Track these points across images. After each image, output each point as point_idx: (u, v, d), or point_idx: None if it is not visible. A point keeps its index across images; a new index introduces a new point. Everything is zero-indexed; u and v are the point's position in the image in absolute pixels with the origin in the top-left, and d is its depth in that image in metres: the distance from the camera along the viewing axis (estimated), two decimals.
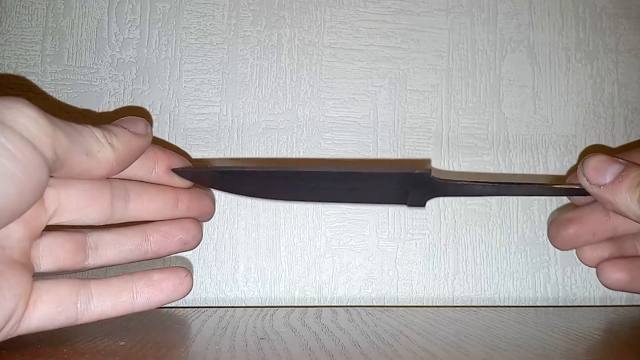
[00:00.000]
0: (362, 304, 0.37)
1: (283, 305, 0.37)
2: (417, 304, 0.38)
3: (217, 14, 0.38)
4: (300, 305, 0.37)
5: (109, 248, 0.26)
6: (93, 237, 0.26)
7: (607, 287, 0.31)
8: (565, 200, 0.38)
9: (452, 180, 0.29)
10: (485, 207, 0.38)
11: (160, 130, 0.37)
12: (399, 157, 0.38)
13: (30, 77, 0.36)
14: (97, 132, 0.24)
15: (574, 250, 0.32)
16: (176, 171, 0.28)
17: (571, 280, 0.39)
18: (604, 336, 0.30)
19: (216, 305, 0.36)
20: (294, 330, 0.28)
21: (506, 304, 0.38)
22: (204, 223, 0.31)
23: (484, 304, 0.38)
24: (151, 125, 0.31)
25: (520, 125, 0.39)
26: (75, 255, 0.25)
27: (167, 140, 0.37)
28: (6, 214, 0.21)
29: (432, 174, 0.28)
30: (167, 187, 0.28)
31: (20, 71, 0.36)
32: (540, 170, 0.39)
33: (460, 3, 0.40)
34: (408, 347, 0.25)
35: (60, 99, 0.36)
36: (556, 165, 0.39)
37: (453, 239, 0.38)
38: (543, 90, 0.40)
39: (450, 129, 0.39)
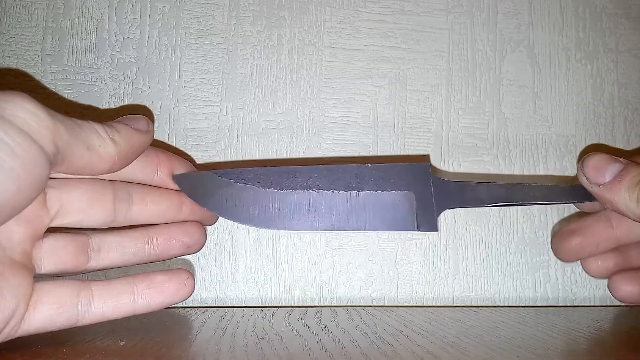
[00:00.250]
0: (362, 304, 0.37)
1: (283, 305, 0.37)
2: (417, 304, 0.38)
3: (217, 14, 0.38)
4: (300, 305, 0.37)
5: (112, 250, 0.26)
6: (95, 239, 0.26)
7: (620, 300, 0.30)
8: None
9: (460, 182, 0.29)
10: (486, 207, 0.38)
11: (160, 130, 0.37)
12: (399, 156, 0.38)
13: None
14: (98, 127, 0.24)
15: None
16: (176, 179, 0.28)
17: (571, 280, 0.39)
18: (604, 336, 0.30)
19: (216, 305, 0.36)
20: (294, 330, 0.28)
21: (506, 304, 0.38)
22: None
23: (484, 304, 0.38)
24: (153, 123, 0.31)
25: (520, 125, 0.39)
26: (77, 257, 0.25)
27: (167, 140, 0.37)
28: (6, 209, 0.21)
29: (432, 173, 0.28)
30: (170, 190, 0.28)
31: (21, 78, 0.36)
32: (540, 170, 0.39)
33: (460, 3, 0.40)
34: (408, 347, 0.25)
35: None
36: (556, 165, 0.39)
37: (453, 239, 0.38)
38: (543, 90, 0.40)
39: (450, 129, 0.39)
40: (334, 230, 0.32)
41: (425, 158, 0.38)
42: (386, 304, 0.37)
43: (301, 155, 0.37)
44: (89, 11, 0.37)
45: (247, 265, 0.37)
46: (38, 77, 0.36)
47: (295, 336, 0.27)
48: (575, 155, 0.40)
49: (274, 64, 0.38)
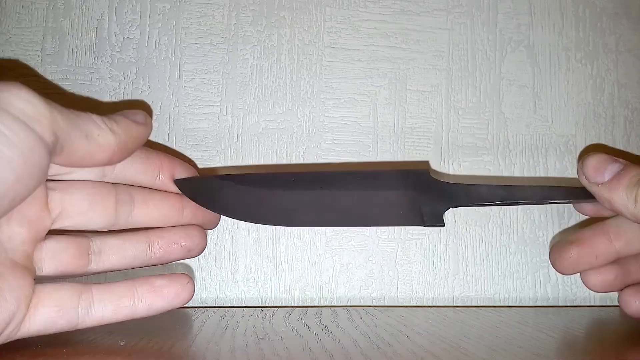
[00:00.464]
0: (362, 304, 0.37)
1: (283, 305, 0.37)
2: (417, 304, 0.38)
3: (217, 14, 0.38)
4: (300, 305, 0.37)
5: (113, 253, 0.26)
6: (97, 242, 0.26)
7: (631, 316, 0.30)
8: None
9: (461, 184, 0.29)
10: (486, 207, 0.38)
11: (160, 130, 0.37)
12: (399, 157, 0.38)
13: (31, 77, 0.36)
14: (95, 118, 0.24)
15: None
16: (178, 183, 0.28)
17: (571, 280, 0.39)
18: (604, 336, 0.30)
19: (216, 305, 0.36)
20: (293, 330, 0.28)
21: (506, 304, 0.38)
22: None
23: (484, 304, 0.38)
24: (150, 117, 0.31)
25: (520, 126, 0.39)
26: (78, 260, 0.25)
27: (167, 139, 0.37)
28: (5, 200, 0.21)
29: (431, 174, 0.29)
30: (172, 193, 0.28)
31: (20, 71, 0.36)
32: (541, 170, 0.39)
33: (460, 3, 0.40)
34: (408, 347, 0.25)
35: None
36: (556, 165, 0.39)
37: (453, 239, 0.38)
38: (543, 90, 0.40)
39: (450, 129, 0.39)
40: (338, 226, 0.32)
41: (425, 164, 0.38)
42: (386, 304, 0.37)
43: (301, 155, 0.37)
44: (89, 11, 0.37)
45: (247, 265, 0.37)
46: (38, 77, 0.36)
47: (295, 336, 0.27)
48: (576, 155, 0.40)
49: (274, 64, 0.38)
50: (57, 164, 0.23)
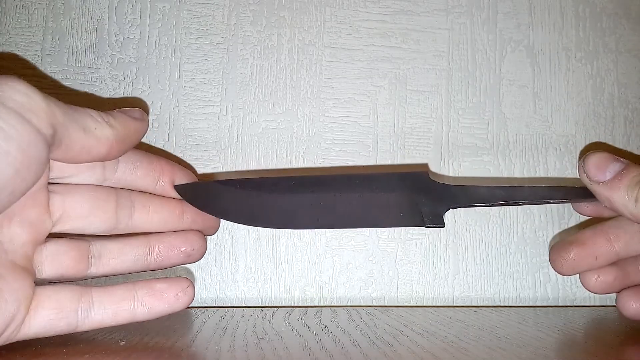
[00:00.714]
0: (362, 304, 0.37)
1: (283, 305, 0.37)
2: (417, 304, 0.38)
3: (217, 14, 0.38)
4: (300, 305, 0.37)
5: (113, 257, 0.26)
6: (97, 246, 0.26)
7: (629, 318, 0.30)
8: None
9: (461, 186, 0.29)
10: (485, 207, 0.38)
11: (161, 130, 0.37)
12: (399, 156, 0.38)
13: (31, 77, 0.36)
14: (93, 112, 0.24)
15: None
16: (178, 188, 0.28)
17: (571, 280, 0.39)
18: (603, 336, 0.30)
19: (216, 305, 0.36)
20: (293, 330, 0.28)
21: (506, 304, 0.38)
22: None
23: (484, 304, 0.38)
24: (147, 114, 0.31)
25: (520, 125, 0.39)
26: (78, 263, 0.25)
27: (167, 139, 0.37)
28: (4, 194, 0.20)
29: (430, 176, 0.29)
30: (172, 199, 0.28)
31: (20, 72, 0.36)
32: (540, 170, 0.39)
33: (460, 3, 0.40)
34: (408, 347, 0.25)
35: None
36: (556, 164, 0.39)
37: (453, 239, 0.38)
38: (543, 90, 0.40)
39: (450, 129, 0.39)
40: (339, 228, 0.32)
41: (424, 166, 0.38)
42: (386, 304, 0.38)
43: (301, 154, 0.37)
44: (89, 11, 0.37)
45: (247, 265, 0.37)
46: (38, 78, 0.36)
47: (295, 336, 0.27)
48: (575, 155, 0.40)
49: (274, 64, 0.38)
50: (55, 159, 0.23)
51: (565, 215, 0.39)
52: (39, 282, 0.24)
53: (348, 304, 0.37)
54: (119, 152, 0.25)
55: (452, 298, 0.38)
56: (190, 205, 0.28)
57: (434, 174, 0.38)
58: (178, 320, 0.31)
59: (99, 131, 0.23)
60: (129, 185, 0.27)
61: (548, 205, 0.39)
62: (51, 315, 0.23)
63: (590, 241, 0.30)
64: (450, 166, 0.38)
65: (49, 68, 0.36)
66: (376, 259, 0.38)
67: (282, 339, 0.26)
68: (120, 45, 0.37)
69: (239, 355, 0.23)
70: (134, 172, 0.27)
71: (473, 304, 0.38)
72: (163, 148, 0.37)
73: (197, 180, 0.30)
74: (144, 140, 0.27)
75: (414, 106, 0.39)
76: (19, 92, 0.20)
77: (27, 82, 0.21)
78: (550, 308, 0.37)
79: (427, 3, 0.40)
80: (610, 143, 0.40)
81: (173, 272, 0.35)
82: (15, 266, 0.22)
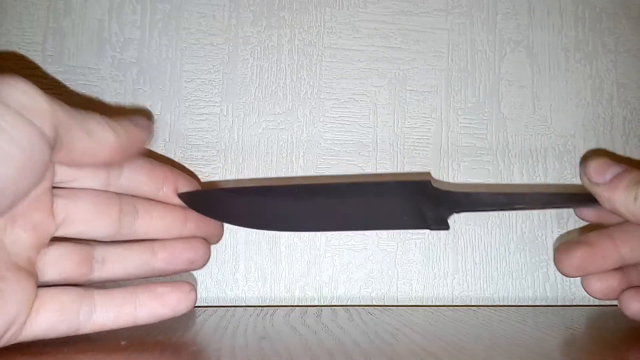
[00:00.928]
0: (362, 304, 0.37)
1: (283, 304, 0.37)
2: (417, 304, 0.38)
3: (217, 15, 0.38)
4: (300, 304, 0.37)
5: (116, 263, 0.26)
6: (100, 251, 0.26)
7: (631, 318, 0.30)
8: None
9: (463, 192, 0.29)
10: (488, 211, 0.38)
11: (161, 131, 0.37)
12: (399, 156, 0.38)
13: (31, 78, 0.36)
14: (96, 116, 0.24)
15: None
16: (182, 196, 0.28)
17: (570, 279, 0.39)
18: (602, 335, 0.30)
19: (217, 304, 0.36)
20: (294, 329, 0.28)
21: (505, 304, 0.38)
22: None
23: (484, 304, 0.38)
24: (152, 123, 0.31)
25: (519, 126, 0.39)
26: (80, 268, 0.25)
27: (167, 139, 0.37)
28: (6, 195, 0.20)
29: (433, 184, 0.29)
30: (175, 206, 0.28)
31: (21, 72, 0.36)
32: (539, 170, 0.39)
33: (460, 3, 0.40)
34: (408, 346, 0.25)
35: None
36: (555, 165, 0.39)
37: (452, 239, 0.38)
38: (542, 91, 0.40)
39: (450, 129, 0.39)
40: (342, 230, 0.33)
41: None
42: (386, 304, 0.38)
43: (301, 155, 0.38)
44: (89, 12, 0.37)
45: (248, 264, 0.37)
46: (38, 78, 0.36)
47: (296, 335, 0.27)
48: (575, 156, 0.40)
49: (274, 65, 0.38)
50: (57, 161, 0.23)
51: (564, 215, 0.39)
52: (42, 285, 0.24)
53: (348, 304, 0.37)
54: (122, 158, 0.25)
55: (452, 297, 0.38)
56: (193, 212, 0.28)
57: (437, 181, 0.38)
58: (179, 320, 0.31)
59: (102, 135, 0.23)
60: (132, 192, 0.27)
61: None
62: (53, 317, 0.23)
63: (597, 242, 0.30)
64: (450, 166, 0.39)
65: (49, 68, 0.36)
66: (376, 258, 0.38)
67: (282, 338, 0.26)
68: (121, 45, 0.37)
69: (240, 355, 0.23)
70: (137, 178, 0.27)
71: (472, 304, 0.38)
72: (164, 148, 0.37)
73: (200, 188, 0.30)
74: None
75: (414, 106, 0.39)
76: (22, 92, 0.20)
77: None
78: (550, 307, 0.38)
79: (427, 3, 0.40)
80: (609, 143, 0.40)
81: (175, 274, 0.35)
82: (18, 268, 0.22)
